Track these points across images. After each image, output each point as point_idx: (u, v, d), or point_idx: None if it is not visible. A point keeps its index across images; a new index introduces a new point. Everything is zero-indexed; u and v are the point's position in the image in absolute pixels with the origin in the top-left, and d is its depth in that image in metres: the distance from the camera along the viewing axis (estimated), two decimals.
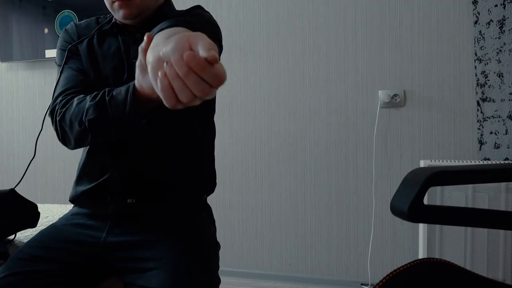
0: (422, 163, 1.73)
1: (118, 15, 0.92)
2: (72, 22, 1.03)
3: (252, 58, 2.15)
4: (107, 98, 0.78)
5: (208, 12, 0.99)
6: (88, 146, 0.95)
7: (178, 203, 0.93)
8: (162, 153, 0.91)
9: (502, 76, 1.77)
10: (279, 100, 2.12)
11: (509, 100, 1.77)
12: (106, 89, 0.80)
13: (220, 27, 0.99)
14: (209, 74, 0.43)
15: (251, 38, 2.15)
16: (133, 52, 0.94)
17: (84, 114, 0.80)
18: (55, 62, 0.99)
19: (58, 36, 2.39)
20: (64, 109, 0.85)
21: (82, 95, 0.85)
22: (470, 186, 1.60)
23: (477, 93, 1.82)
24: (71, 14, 2.38)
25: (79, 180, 0.96)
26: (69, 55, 0.95)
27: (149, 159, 0.91)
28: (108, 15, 1.01)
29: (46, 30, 2.42)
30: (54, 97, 0.92)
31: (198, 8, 0.99)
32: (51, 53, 2.41)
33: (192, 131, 0.95)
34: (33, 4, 2.43)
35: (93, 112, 0.79)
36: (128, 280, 0.82)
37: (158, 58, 0.49)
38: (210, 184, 1.02)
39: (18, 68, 2.55)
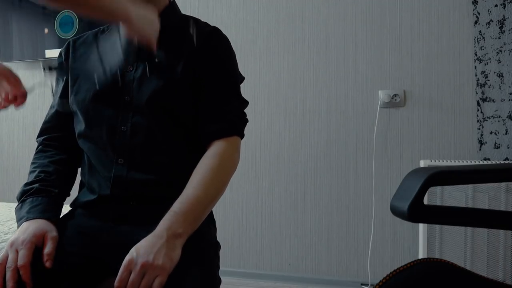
0: (422, 163, 1.74)
1: None
2: (70, 39, 1.04)
3: (252, 58, 2.15)
4: (21, 200, 0.92)
5: (226, 39, 0.99)
6: (87, 158, 0.96)
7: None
8: (163, 157, 0.91)
9: (502, 76, 1.77)
10: (279, 100, 2.12)
11: (509, 100, 1.77)
12: (35, 187, 0.92)
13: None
14: None
15: (251, 38, 2.15)
16: (128, 58, 0.94)
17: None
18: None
19: (58, 36, 2.40)
20: (33, 160, 1.00)
21: (43, 156, 0.99)
22: (470, 186, 1.60)
23: (477, 93, 1.82)
24: (71, 14, 2.38)
25: (80, 190, 0.98)
26: (58, 79, 1.03)
27: (149, 163, 0.90)
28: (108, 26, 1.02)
29: (46, 30, 2.41)
30: (40, 128, 1.03)
31: (217, 36, 0.98)
32: (51, 53, 2.41)
33: (192, 133, 0.94)
34: (33, 4, 2.43)
35: (18, 194, 0.94)
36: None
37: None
38: None
39: (18, 68, 2.55)
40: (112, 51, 0.96)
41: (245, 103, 1.00)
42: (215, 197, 0.88)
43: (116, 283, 0.73)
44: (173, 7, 1.01)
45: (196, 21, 1.02)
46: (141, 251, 0.74)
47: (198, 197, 0.83)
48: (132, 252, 0.74)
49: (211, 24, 1.01)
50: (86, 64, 0.97)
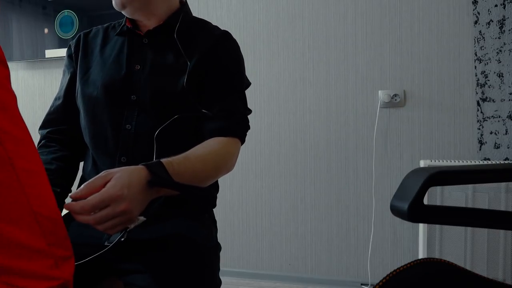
0: (422, 163, 1.73)
1: (113, 1, 0.93)
2: (81, 33, 1.04)
3: (252, 58, 2.15)
4: None
5: (235, 43, 1.00)
6: (92, 158, 0.95)
7: (179, 204, 0.93)
8: (166, 157, 0.91)
9: (502, 76, 1.77)
10: (279, 100, 2.12)
11: (509, 100, 1.77)
12: None
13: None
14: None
15: (251, 38, 2.15)
16: (136, 56, 0.94)
17: None
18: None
19: (58, 36, 2.40)
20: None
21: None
22: (470, 186, 1.60)
23: (477, 93, 1.82)
24: (71, 14, 2.38)
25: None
26: (65, 70, 1.02)
27: None
28: (120, 21, 1.02)
29: (46, 30, 2.41)
30: (44, 119, 1.01)
31: (227, 39, 0.99)
32: (51, 53, 2.41)
33: (196, 134, 0.94)
34: (33, 4, 2.43)
35: None
36: (128, 280, 0.82)
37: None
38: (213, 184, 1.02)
39: (18, 68, 2.55)
40: (120, 48, 0.97)
41: (249, 110, 1.00)
42: (206, 178, 0.86)
43: (81, 193, 0.67)
44: (184, 9, 1.01)
45: (207, 23, 1.02)
46: (130, 193, 0.67)
47: (194, 170, 0.81)
48: (124, 188, 0.67)
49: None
50: (94, 59, 0.97)
